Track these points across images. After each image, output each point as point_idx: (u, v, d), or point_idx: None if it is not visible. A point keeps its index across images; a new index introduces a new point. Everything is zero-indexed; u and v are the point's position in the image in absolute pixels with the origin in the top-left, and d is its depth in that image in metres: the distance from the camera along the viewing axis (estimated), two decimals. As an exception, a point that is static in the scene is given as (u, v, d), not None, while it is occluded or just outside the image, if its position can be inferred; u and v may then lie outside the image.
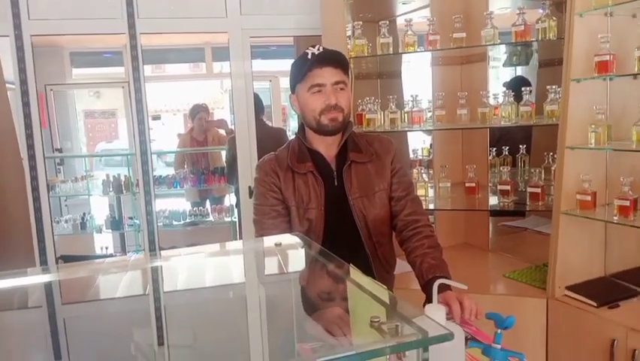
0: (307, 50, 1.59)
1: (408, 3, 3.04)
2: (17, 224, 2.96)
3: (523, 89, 2.32)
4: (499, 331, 1.09)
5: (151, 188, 2.84)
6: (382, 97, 2.67)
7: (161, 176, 4.39)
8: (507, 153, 2.69)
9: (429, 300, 1.43)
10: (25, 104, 2.72)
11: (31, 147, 2.73)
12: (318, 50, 1.57)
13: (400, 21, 3.07)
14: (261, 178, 1.67)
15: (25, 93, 2.72)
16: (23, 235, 2.88)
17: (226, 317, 1.81)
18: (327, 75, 1.56)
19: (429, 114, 2.61)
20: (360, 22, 2.56)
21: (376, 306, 0.83)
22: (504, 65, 2.96)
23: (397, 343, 0.67)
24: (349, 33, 2.60)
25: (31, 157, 2.73)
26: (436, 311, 0.98)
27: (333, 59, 1.58)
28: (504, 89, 2.57)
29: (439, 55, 2.74)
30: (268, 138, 3.52)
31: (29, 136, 2.73)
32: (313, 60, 1.56)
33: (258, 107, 4.01)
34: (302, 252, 1.46)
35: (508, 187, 2.34)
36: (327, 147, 1.65)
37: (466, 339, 1.11)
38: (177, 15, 2.90)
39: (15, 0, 2.68)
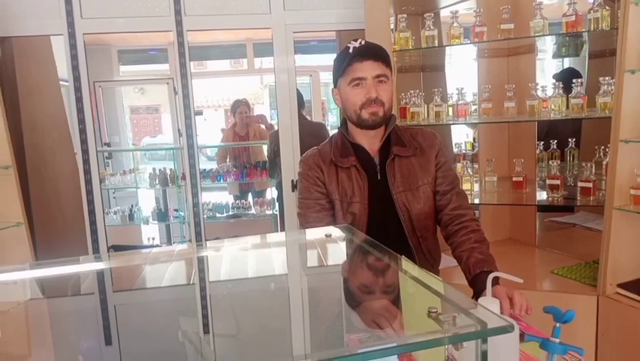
0: (349, 44, 1.60)
1: (452, -6, 2.99)
2: (71, 215, 3.10)
3: (574, 81, 2.25)
4: (558, 325, 1.07)
5: (197, 181, 2.91)
6: (425, 90, 2.64)
7: (205, 170, 4.49)
8: (555, 146, 2.62)
9: (476, 295, 1.42)
10: (79, 100, 2.83)
11: (84, 141, 2.84)
12: (360, 43, 1.58)
13: (444, 13, 3.03)
14: (304, 172, 1.69)
15: (78, 90, 2.83)
16: (76, 225, 3.01)
17: (270, 307, 1.85)
18: (368, 69, 1.57)
19: (473, 107, 2.57)
20: (405, 15, 2.54)
21: (430, 297, 0.83)
22: (553, 57, 2.87)
23: (456, 333, 0.67)
24: (392, 26, 2.58)
25: (85, 151, 2.84)
26: (490, 304, 0.97)
27: (374, 53, 1.59)
28: (553, 81, 2.50)
29: (485, 47, 2.69)
30: (308, 133, 3.55)
31: (82, 131, 2.84)
32: (354, 54, 1.57)
33: (299, 101, 4.04)
34: (349, 243, 1.47)
35: (557, 182, 2.27)
36: (369, 141, 1.66)
37: (521, 334, 1.09)
38: (222, 12, 2.95)
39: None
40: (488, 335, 0.64)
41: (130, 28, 3.00)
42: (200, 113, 7.92)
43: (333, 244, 1.59)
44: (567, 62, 3.18)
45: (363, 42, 1.59)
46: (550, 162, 2.36)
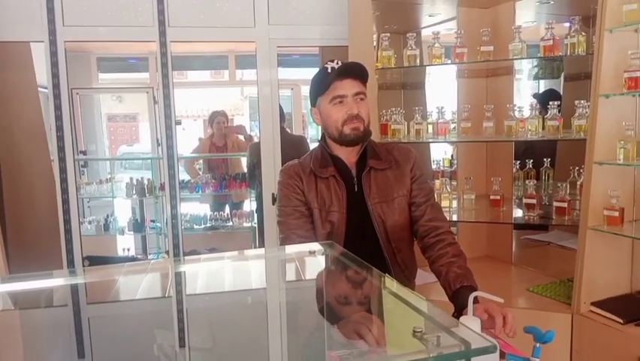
0: (326, 65, 1.66)
1: (434, 15, 3.06)
2: (45, 224, 3.03)
3: (550, 103, 2.32)
4: (538, 345, 1.09)
5: (177, 192, 2.88)
6: (406, 107, 2.68)
7: (183, 180, 4.46)
8: (531, 166, 2.68)
9: (457, 310, 1.44)
10: (57, 108, 2.79)
11: (61, 149, 2.79)
12: (337, 63, 1.64)
13: (426, 33, 3.09)
14: (284, 181, 1.72)
15: (57, 97, 2.79)
16: (51, 235, 2.94)
17: (246, 322, 1.84)
18: (348, 87, 1.63)
19: (453, 126, 2.61)
20: (388, 34, 2.58)
21: (413, 315, 0.84)
22: (532, 79, 2.95)
23: (440, 353, 0.68)
24: (375, 44, 2.62)
25: (61, 159, 2.79)
26: (472, 323, 0.98)
27: (353, 71, 1.65)
28: (531, 101, 2.57)
29: (464, 67, 2.75)
30: (289, 145, 3.56)
31: (60, 139, 2.79)
32: (334, 73, 1.62)
33: (280, 114, 4.06)
34: (331, 259, 1.48)
35: (534, 201, 2.33)
36: (347, 154, 1.72)
37: (500, 353, 1.11)
38: (207, 24, 2.95)
39: (50, 6, 2.76)
40: (472, 356, 0.66)
41: (113, 37, 2.97)
42: (179, 122, 7.86)
43: (314, 261, 1.59)
44: (544, 84, 3.27)
45: (339, 62, 1.65)
46: (527, 182, 2.42)
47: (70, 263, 2.78)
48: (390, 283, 0.96)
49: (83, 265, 2.88)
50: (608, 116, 2.02)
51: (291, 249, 1.73)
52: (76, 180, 2.84)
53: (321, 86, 1.66)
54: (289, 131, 4.99)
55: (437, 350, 0.68)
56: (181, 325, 1.84)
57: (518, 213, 2.51)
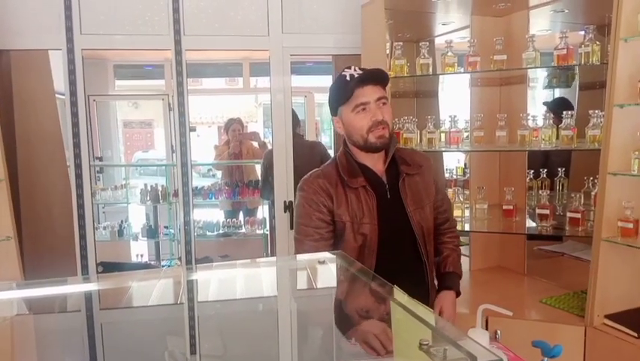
0: (344, 73, 1.64)
1: (447, 24, 3.06)
2: (60, 230, 3.07)
3: (564, 112, 2.30)
4: (545, 359, 1.08)
5: (190, 199, 2.91)
6: (419, 116, 2.68)
7: (197, 187, 4.49)
8: (545, 176, 2.65)
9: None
10: (74, 115, 2.84)
11: (77, 155, 2.84)
12: (356, 70, 1.62)
13: (439, 41, 3.09)
14: (308, 196, 1.66)
15: (74, 104, 2.84)
16: (65, 240, 2.98)
17: (257, 330, 1.84)
18: (370, 93, 1.61)
19: (465, 134, 2.60)
20: (400, 43, 2.58)
21: (421, 328, 0.84)
22: (544, 87, 2.93)
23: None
24: (388, 52, 2.62)
25: (77, 166, 2.84)
26: (480, 336, 0.98)
27: (374, 77, 1.63)
28: (544, 109, 2.55)
29: (477, 76, 2.74)
30: (306, 151, 3.62)
31: (76, 145, 2.84)
32: (355, 81, 1.60)
33: (295, 120, 4.09)
34: (341, 270, 1.48)
35: (547, 211, 2.30)
36: (374, 161, 1.69)
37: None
38: (221, 33, 2.99)
39: (68, 14, 2.82)
40: (477, 369, 0.65)
41: (129, 45, 3.02)
42: (193, 129, 7.92)
43: (326, 270, 1.59)
44: (558, 93, 3.24)
45: (358, 69, 1.63)
46: (540, 192, 2.40)
47: (85, 269, 2.82)
48: (399, 296, 0.96)
49: (97, 271, 2.91)
50: (622, 126, 2.00)
51: (303, 257, 1.73)
52: (91, 186, 2.88)
53: (342, 94, 1.63)
54: (306, 138, 5.01)
55: (443, 363, 0.68)
56: (192, 332, 1.85)
57: (532, 223, 2.48)
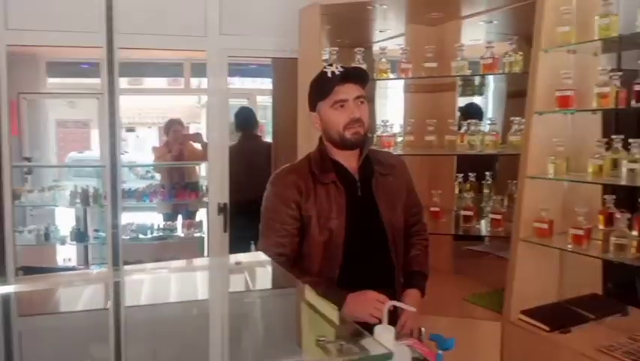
0: (325, 70, 1.66)
1: (384, 31, 3.13)
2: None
3: (489, 119, 2.41)
4: (440, 352, 1.13)
5: (118, 200, 2.82)
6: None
7: (130, 189, 4.35)
8: (474, 179, 2.76)
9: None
10: (-6, 112, 2.69)
11: (-2, 154, 2.69)
12: (337, 68, 1.65)
13: (377, 48, 3.15)
14: (278, 191, 1.69)
15: (-6, 101, 2.69)
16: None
17: (187, 335, 1.80)
18: (349, 91, 1.64)
19: (399, 139, 2.67)
20: (336, 48, 2.62)
21: (325, 326, 0.85)
22: (460, 95, 3.04)
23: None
24: (327, 57, 2.65)
25: (-2, 165, 2.69)
26: (385, 331, 1.01)
27: (355, 76, 1.67)
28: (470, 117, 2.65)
29: (410, 82, 2.82)
30: (262, 152, 3.75)
31: (-3, 144, 2.69)
32: (336, 78, 1.63)
33: (252, 121, 4.08)
34: (264, 270, 1.48)
35: (471, 213, 2.40)
36: (348, 159, 1.71)
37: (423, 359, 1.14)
38: (157, 32, 2.92)
39: (-8, 9, 2.67)
40: (369, 363, 0.67)
41: (58, 42, 2.91)
42: (132, 129, 7.69)
43: (249, 271, 1.59)
44: (487, 101, 3.39)
45: (338, 66, 1.65)
46: (465, 194, 2.49)
47: (1, 274, 2.67)
48: (309, 295, 0.97)
49: (15, 275, 2.77)
50: (540, 132, 2.11)
51: (237, 259, 1.71)
52: (12, 187, 2.73)
53: (322, 90, 1.66)
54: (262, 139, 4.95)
55: (338, 358, 0.69)
56: (118, 338, 1.79)
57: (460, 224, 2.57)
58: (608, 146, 1.90)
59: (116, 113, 2.83)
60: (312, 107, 1.72)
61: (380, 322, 1.15)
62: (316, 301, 0.92)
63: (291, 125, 2.66)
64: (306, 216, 1.66)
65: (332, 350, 0.70)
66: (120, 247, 2.85)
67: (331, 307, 0.86)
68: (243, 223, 3.84)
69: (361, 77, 1.69)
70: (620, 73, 2.02)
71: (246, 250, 3.09)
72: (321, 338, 0.73)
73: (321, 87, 1.66)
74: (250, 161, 3.78)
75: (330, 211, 1.66)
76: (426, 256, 1.88)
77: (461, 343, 2.02)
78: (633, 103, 1.83)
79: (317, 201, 1.66)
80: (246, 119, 4.11)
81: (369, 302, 1.51)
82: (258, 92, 5.84)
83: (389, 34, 3.15)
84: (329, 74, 1.63)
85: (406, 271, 1.81)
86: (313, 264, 1.68)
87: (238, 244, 3.08)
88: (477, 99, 3.82)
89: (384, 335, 0.93)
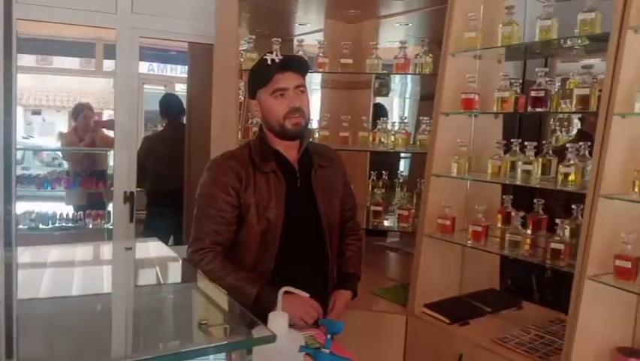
0: (266, 57, 1.62)
1: (304, 25, 3.13)
2: None
3: (400, 118, 2.48)
4: (329, 336, 1.15)
5: (12, 186, 2.60)
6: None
7: (30, 175, 4.04)
8: (386, 177, 2.83)
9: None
10: None
11: None
12: (277, 56, 1.62)
13: (296, 42, 3.15)
14: (216, 178, 1.64)
15: None
16: None
17: (88, 329, 1.70)
18: (289, 79, 1.62)
19: (316, 135, 2.68)
20: (253, 37, 2.58)
21: (215, 311, 0.83)
22: (374, 95, 3.12)
23: (220, 343, 0.67)
24: (246, 46, 2.60)
25: None
26: (280, 318, 1.01)
27: (295, 65, 1.65)
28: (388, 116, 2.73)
29: (328, 78, 2.84)
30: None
31: None
32: (275, 66, 1.60)
33: (177, 109, 3.92)
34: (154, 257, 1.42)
35: (380, 208, 2.47)
36: (288, 149, 1.69)
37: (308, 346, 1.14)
38: (62, 4, 2.71)
39: None
40: (251, 345, 0.66)
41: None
42: (38, 112, 7.17)
43: (173, 267, 1.51)
44: (408, 101, 3.50)
45: (280, 54, 1.62)
46: (376, 190, 2.55)
47: None
48: (201, 282, 0.94)
49: None
50: (446, 132, 2.20)
51: (142, 251, 1.63)
52: None
53: (261, 78, 1.63)
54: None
55: (220, 340, 0.67)
56: (9, 333, 1.65)
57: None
58: (507, 148, 2.02)
59: (13, 90, 2.60)
60: (252, 94, 1.70)
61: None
62: (211, 291, 0.89)
63: (207, 113, 2.58)
64: (245, 205, 1.63)
65: (214, 333, 0.68)
66: (14, 236, 2.62)
67: (221, 292, 0.84)
68: (161, 214, 3.74)
69: (301, 66, 1.68)
70: (520, 80, 2.16)
71: (164, 242, 2.99)
72: (203, 322, 0.70)
73: (261, 75, 1.64)
74: (173, 149, 3.67)
75: (270, 201, 1.64)
76: (359, 257, 1.90)
77: (368, 335, 2.08)
78: (529, 108, 1.95)
79: (256, 189, 1.64)
80: (170, 106, 3.98)
81: (302, 307, 1.54)
82: (178, 80, 5.64)
83: (309, 28, 3.16)
84: (269, 62, 1.61)
85: (340, 272, 1.82)
86: (248, 253, 1.65)
87: (157, 235, 2.97)
88: (395, 100, 3.95)
89: (277, 322, 0.93)
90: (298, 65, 1.67)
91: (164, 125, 4.03)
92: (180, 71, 5.79)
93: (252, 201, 1.63)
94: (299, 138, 1.69)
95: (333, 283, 1.78)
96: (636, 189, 1.58)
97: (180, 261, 1.30)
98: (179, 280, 1.35)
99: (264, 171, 1.65)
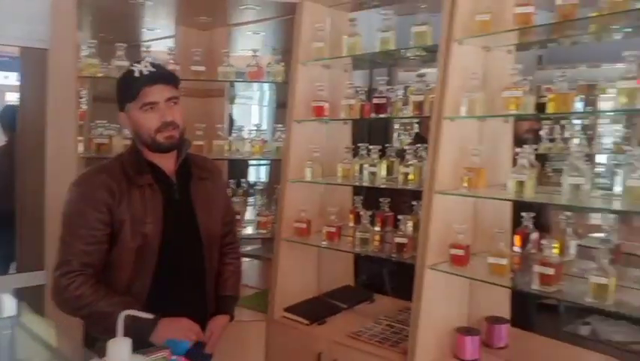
0: (133, 68, 1.52)
1: (153, 30, 3.01)
2: None
3: (255, 125, 2.50)
4: (174, 357, 1.12)
5: None
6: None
7: None
8: (245, 184, 2.82)
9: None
10: None
11: None
12: (146, 67, 1.51)
13: (144, 47, 3.01)
14: (86, 193, 1.52)
15: None
16: None
17: None
18: (159, 92, 1.53)
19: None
20: (95, 41, 2.42)
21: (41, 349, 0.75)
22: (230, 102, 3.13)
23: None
24: (88, 52, 2.42)
25: None
26: (122, 343, 0.95)
27: (164, 77, 1.56)
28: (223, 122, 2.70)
29: (181, 86, 2.75)
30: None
31: None
32: (144, 79, 1.51)
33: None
34: None
35: (238, 217, 2.45)
36: (164, 161, 1.60)
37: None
38: None
39: None
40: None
41: None
42: None
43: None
44: (261, 110, 3.52)
45: (148, 65, 1.52)
46: (235, 198, 2.54)
47: None
48: (29, 318, 0.84)
49: None
50: (299, 139, 2.27)
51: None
52: None
53: (129, 91, 1.53)
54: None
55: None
56: None
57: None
58: (355, 152, 2.14)
59: None
60: (121, 107, 1.59)
61: None
62: (34, 324, 0.80)
63: (41, 125, 2.34)
64: (118, 221, 1.51)
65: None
66: None
67: (51, 328, 0.76)
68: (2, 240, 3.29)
69: (172, 77, 1.61)
70: (366, 89, 2.29)
71: (3, 271, 2.68)
72: None
73: (128, 88, 1.54)
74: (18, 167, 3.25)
75: (146, 215, 1.54)
76: (238, 278, 1.83)
77: (228, 346, 2.04)
78: (373, 115, 2.09)
79: (131, 204, 1.53)
80: (12, 120, 3.53)
81: (182, 330, 1.49)
82: (8, 89, 5.04)
83: (159, 33, 3.04)
84: (136, 73, 1.51)
85: (217, 295, 1.74)
86: (122, 273, 1.53)
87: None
88: (254, 108, 3.97)
89: (118, 348, 0.87)
90: (169, 77, 1.59)
91: (5, 140, 3.58)
92: (14, 78, 5.20)
93: (127, 217, 1.52)
94: (173, 150, 1.61)
95: (211, 298, 1.72)
96: (465, 184, 1.76)
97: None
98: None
99: (139, 185, 1.55)
